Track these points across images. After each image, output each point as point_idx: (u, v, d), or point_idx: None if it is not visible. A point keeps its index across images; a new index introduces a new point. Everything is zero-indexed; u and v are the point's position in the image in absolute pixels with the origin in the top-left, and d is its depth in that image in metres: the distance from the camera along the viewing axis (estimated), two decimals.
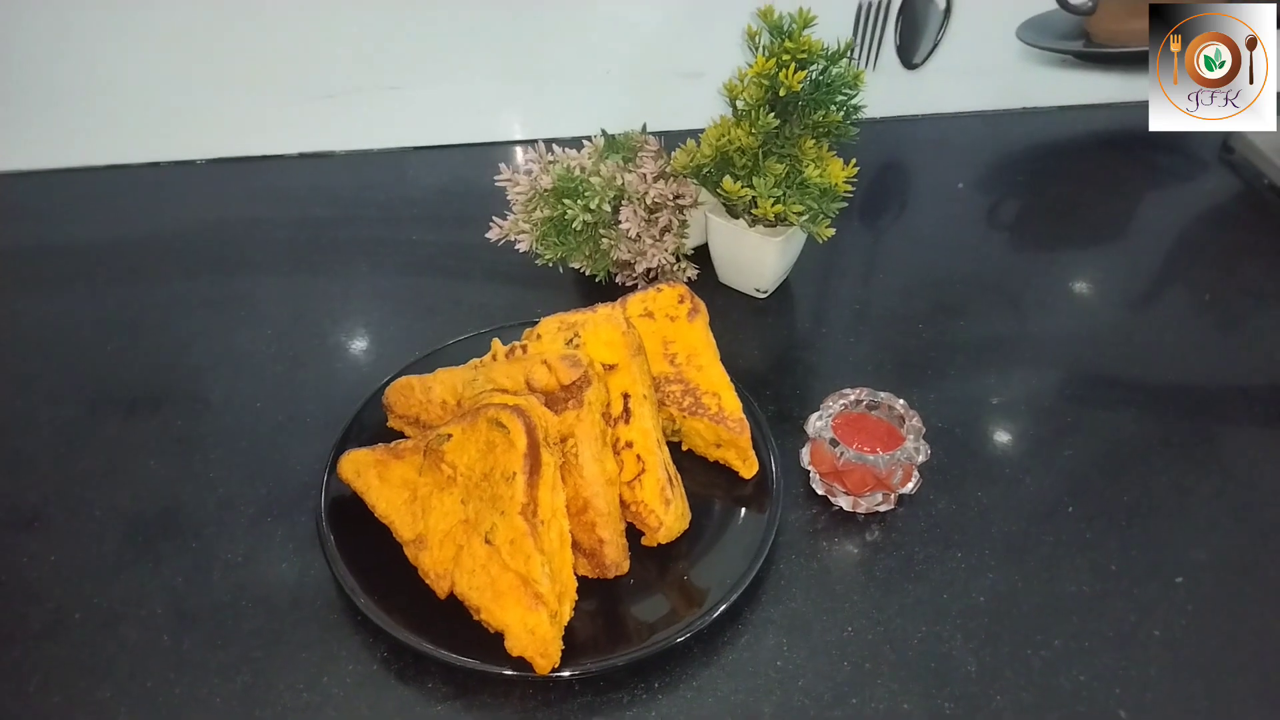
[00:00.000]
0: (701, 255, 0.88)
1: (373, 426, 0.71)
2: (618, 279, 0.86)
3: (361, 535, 0.64)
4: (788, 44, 0.74)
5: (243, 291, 0.87)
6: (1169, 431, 0.75)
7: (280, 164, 1.03)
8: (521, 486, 0.57)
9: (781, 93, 0.73)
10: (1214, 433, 0.75)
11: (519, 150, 0.91)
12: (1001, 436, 0.75)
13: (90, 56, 0.94)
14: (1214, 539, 0.68)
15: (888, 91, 1.08)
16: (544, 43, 1.00)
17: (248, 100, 0.99)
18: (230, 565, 0.65)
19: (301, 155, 1.04)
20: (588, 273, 0.84)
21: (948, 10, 1.03)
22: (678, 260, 0.84)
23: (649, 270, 0.84)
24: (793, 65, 0.73)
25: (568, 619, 0.57)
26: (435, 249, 0.92)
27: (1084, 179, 1.06)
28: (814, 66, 0.77)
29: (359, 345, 0.82)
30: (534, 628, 0.55)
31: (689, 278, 0.85)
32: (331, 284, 0.89)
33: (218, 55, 0.96)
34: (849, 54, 0.77)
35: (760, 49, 0.76)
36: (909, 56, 1.07)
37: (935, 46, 1.06)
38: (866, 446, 0.68)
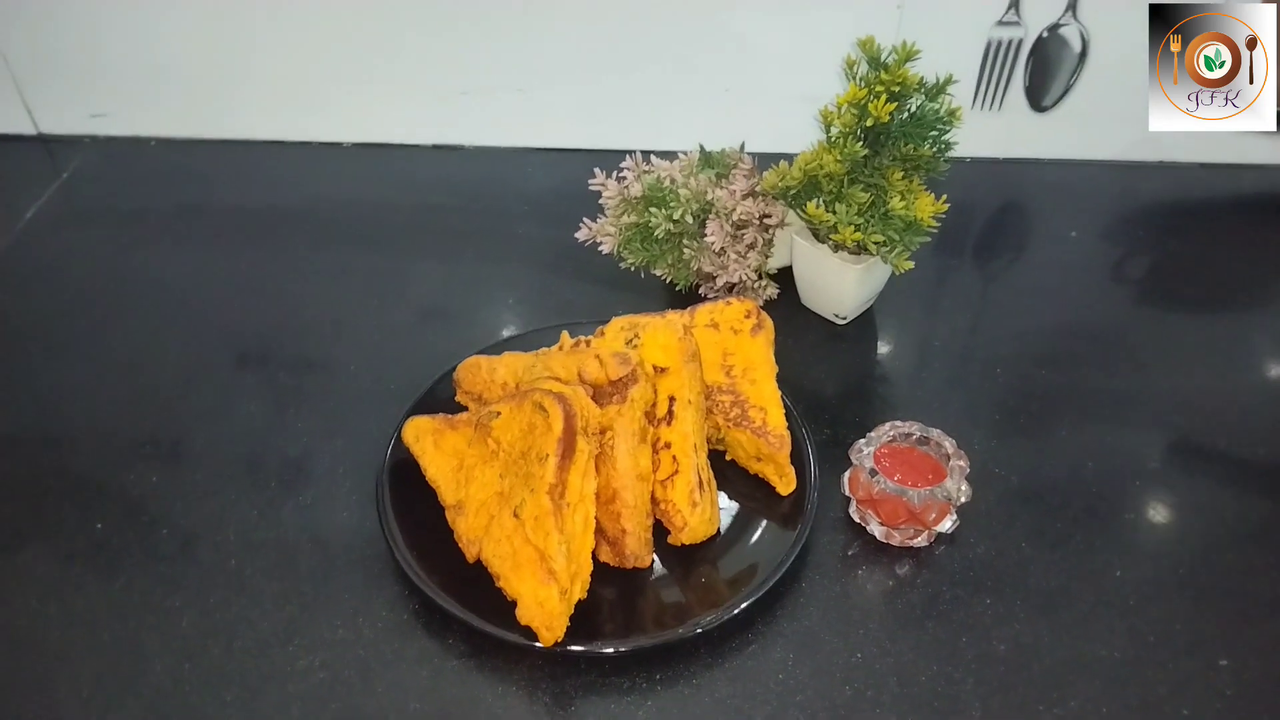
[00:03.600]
0: (786, 276, 0.89)
1: (444, 398, 0.76)
2: (700, 290, 0.88)
3: (414, 496, 0.69)
4: (883, 75, 0.75)
5: (358, 265, 0.95)
6: (1247, 509, 0.71)
7: (415, 153, 1.11)
8: (552, 468, 0.61)
9: (869, 123, 0.74)
10: None
11: (653, 157, 0.95)
12: (1059, 490, 0.73)
13: (265, 45, 1.04)
14: (1275, 628, 0.64)
15: (1012, 132, 1.06)
16: (669, 57, 1.03)
17: (393, 92, 1.07)
18: (299, 507, 0.72)
19: (435, 146, 1.11)
20: (668, 280, 0.87)
21: (1083, 54, 1.00)
22: (760, 277, 0.86)
23: (729, 285, 0.86)
24: (884, 96, 0.74)
25: (578, 598, 0.60)
26: (537, 245, 0.97)
27: (1217, 241, 1.01)
28: (911, 100, 0.77)
29: (449, 325, 0.88)
30: (543, 600, 0.59)
31: (769, 296, 0.87)
32: (437, 266, 0.95)
33: (371, 51, 1.04)
34: (947, 90, 0.77)
35: (857, 79, 0.77)
36: (1038, 98, 1.04)
37: (1067, 90, 1.03)
38: (908, 480, 0.67)
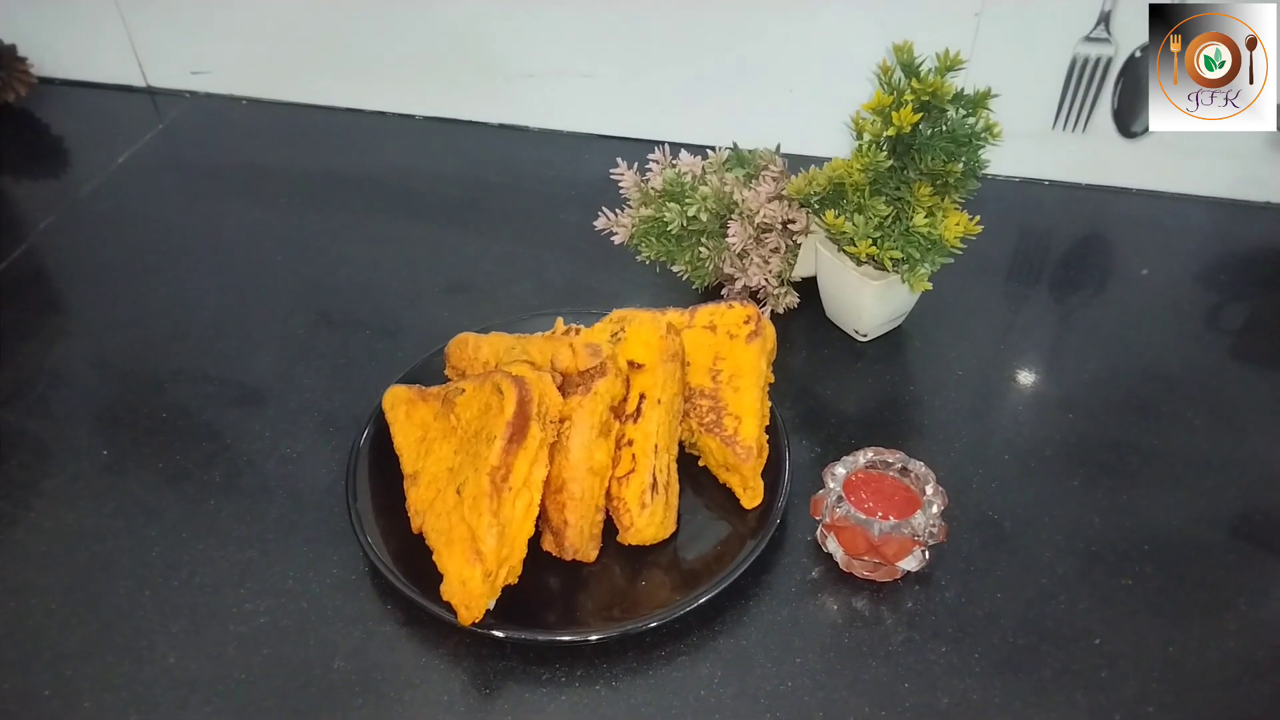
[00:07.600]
0: (813, 286, 0.86)
1: (437, 371, 0.77)
2: (723, 292, 0.86)
3: (387, 462, 0.70)
4: (914, 83, 0.71)
5: (398, 233, 0.97)
6: (1265, 601, 0.64)
7: (481, 130, 1.13)
8: (498, 450, 0.60)
9: (890, 131, 0.70)
10: None
11: (683, 152, 0.94)
12: (1053, 544, 0.67)
13: (354, 17, 1.08)
14: None
15: (1096, 157, 0.99)
16: (738, 53, 1.01)
17: (467, 70, 1.09)
18: (285, 458, 0.74)
19: (501, 125, 1.13)
20: (685, 278, 0.85)
21: None
22: (781, 284, 0.83)
23: (749, 289, 0.83)
24: (910, 105, 0.70)
25: (504, 583, 0.60)
26: (575, 231, 0.96)
27: None
28: (950, 112, 0.73)
29: (470, 300, 0.89)
30: (466, 580, 0.59)
31: (789, 304, 0.84)
32: (472, 242, 0.96)
33: (449, 28, 1.06)
34: (987, 104, 0.72)
35: (887, 85, 0.73)
36: (1128, 123, 0.96)
37: None
38: (877, 509, 0.64)
